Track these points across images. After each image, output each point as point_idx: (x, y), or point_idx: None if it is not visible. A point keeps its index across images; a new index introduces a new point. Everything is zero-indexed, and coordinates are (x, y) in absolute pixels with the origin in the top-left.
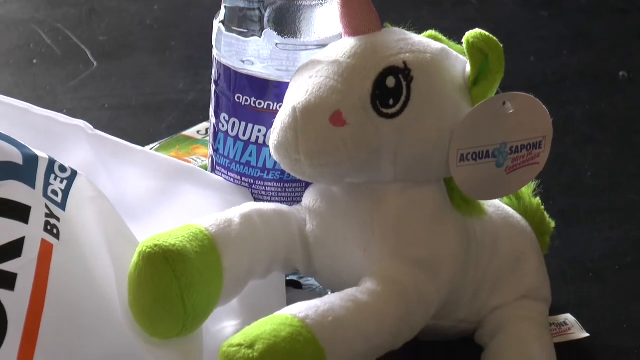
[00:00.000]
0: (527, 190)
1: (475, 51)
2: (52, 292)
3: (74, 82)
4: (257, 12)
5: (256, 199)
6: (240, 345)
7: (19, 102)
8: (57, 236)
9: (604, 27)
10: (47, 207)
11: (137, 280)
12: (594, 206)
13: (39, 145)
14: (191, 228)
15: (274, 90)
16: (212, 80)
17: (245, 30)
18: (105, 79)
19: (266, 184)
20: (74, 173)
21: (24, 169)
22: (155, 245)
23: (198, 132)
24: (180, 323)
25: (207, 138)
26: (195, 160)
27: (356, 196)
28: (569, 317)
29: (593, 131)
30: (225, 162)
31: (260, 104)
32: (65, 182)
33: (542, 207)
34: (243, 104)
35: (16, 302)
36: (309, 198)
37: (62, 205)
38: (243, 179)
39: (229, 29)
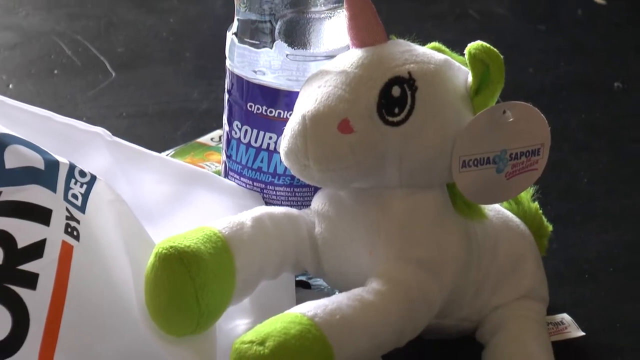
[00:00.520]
0: (526, 195)
1: (477, 62)
2: (72, 292)
3: (93, 92)
4: (268, 24)
5: (267, 203)
6: (252, 342)
7: (40, 110)
8: (77, 238)
9: (599, 39)
10: (67, 210)
11: (154, 280)
12: (590, 211)
13: (59, 151)
14: (205, 230)
15: (285, 99)
16: (225, 90)
17: (257, 42)
18: (123, 89)
19: (277, 188)
20: (94, 178)
21: (46, 173)
22: (171, 247)
23: (212, 139)
24: (194, 321)
25: (221, 145)
26: (209, 166)
27: (363, 200)
28: (565, 317)
29: (589, 139)
30: (238, 167)
31: (271, 112)
32: (85, 186)
33: (540, 211)
34: (255, 112)
35: (38, 300)
36: (317, 202)
37: (82, 209)
38: (255, 184)
39: (241, 41)
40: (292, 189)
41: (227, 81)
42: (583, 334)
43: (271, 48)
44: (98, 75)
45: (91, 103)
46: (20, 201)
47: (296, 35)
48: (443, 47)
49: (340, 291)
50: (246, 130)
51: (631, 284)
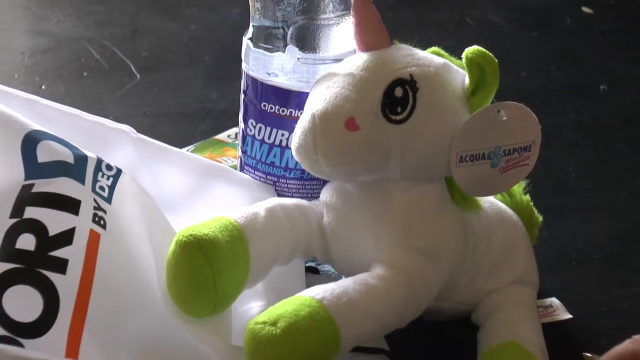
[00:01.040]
0: (519, 189)
1: (474, 65)
2: (99, 276)
3: (119, 92)
4: (281, 30)
5: (279, 195)
6: (264, 322)
7: (70, 109)
8: (103, 227)
9: (587, 46)
10: (95, 201)
11: (174, 265)
12: (578, 203)
13: (88, 147)
14: (222, 220)
15: (296, 99)
16: (241, 90)
17: (270, 47)
18: (147, 90)
19: (288, 181)
20: (119, 171)
21: (75, 167)
22: (191, 235)
23: (228, 136)
24: (212, 304)
25: (237, 141)
26: (226, 161)
27: (368, 193)
28: (554, 301)
29: (577, 137)
30: (252, 162)
31: (283, 111)
32: (111, 179)
33: (532, 203)
34: (268, 111)
35: (67, 284)
36: (326, 194)
37: (109, 200)
38: (268, 177)
39: (256, 45)
40: (302, 182)
41: (242, 82)
42: (570, 316)
43: (284, 52)
44: (124, 78)
45: (118, 103)
46: (52, 192)
47: (307, 40)
48: (442, 52)
49: (346, 276)
50: (260, 128)
51: (615, 271)
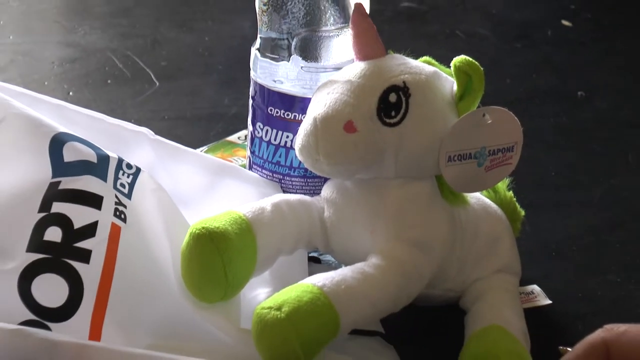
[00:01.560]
0: (502, 185)
1: (461, 73)
2: (120, 265)
3: (140, 98)
4: (286, 41)
5: (285, 191)
6: (270, 307)
7: (94, 113)
8: (124, 220)
9: (566, 56)
10: (116, 196)
11: (188, 256)
12: (557, 199)
13: (110, 147)
14: (232, 214)
15: (300, 104)
16: (250, 96)
17: (276, 56)
18: (165, 96)
19: (293, 179)
20: (138, 170)
21: (98, 166)
22: (203, 228)
23: (239, 138)
24: (222, 290)
25: (246, 142)
26: (236, 160)
27: (365, 189)
28: (535, 288)
29: (557, 139)
30: (260, 161)
31: (288, 115)
32: (131, 176)
33: (514, 199)
34: (274, 115)
35: (90, 273)
36: (326, 190)
37: (129, 196)
38: (274, 175)
39: (263, 55)
40: (305, 179)
41: (251, 89)
42: (550, 302)
43: (288, 61)
44: (144, 85)
45: (138, 107)
46: (77, 189)
47: (309, 50)
48: (433, 61)
49: (345, 266)
50: (267, 130)
51: (592, 261)
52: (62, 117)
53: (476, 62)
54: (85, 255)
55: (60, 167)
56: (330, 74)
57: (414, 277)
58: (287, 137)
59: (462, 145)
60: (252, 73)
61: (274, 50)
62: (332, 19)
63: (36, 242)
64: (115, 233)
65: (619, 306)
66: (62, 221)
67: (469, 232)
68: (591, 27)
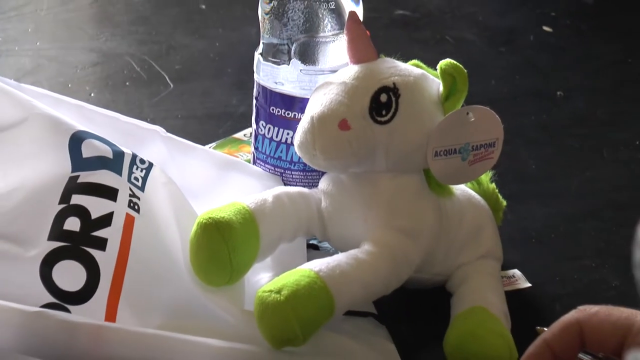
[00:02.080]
0: (485, 178)
1: (447, 75)
2: (134, 252)
3: (155, 99)
4: (286, 46)
5: (286, 184)
6: (271, 291)
7: (111, 113)
8: (137, 211)
9: (546, 59)
10: (130, 189)
11: (196, 243)
12: (537, 190)
13: (125, 144)
14: (236, 205)
15: (299, 104)
16: (254, 97)
17: (278, 60)
18: (179, 97)
19: (293, 173)
20: (151, 164)
21: (114, 161)
22: (210, 218)
23: (244, 135)
24: (227, 275)
25: (251, 139)
26: (242, 156)
27: (358, 182)
28: (516, 272)
29: (537, 135)
30: (263, 157)
31: (288, 114)
32: (144, 171)
33: (497, 190)
34: (276, 114)
35: (106, 259)
36: (323, 183)
37: (142, 188)
38: (276, 169)
39: (265, 59)
40: (305, 173)
41: (255, 90)
42: (530, 285)
43: (288, 65)
44: (160, 87)
45: (154, 107)
46: (94, 182)
47: (308, 55)
48: (421, 64)
49: (341, 252)
50: (269, 128)
51: (568, 247)
52: (81, 117)
53: (460, 65)
54: (101, 243)
55: (78, 162)
56: (326, 76)
57: (403, 262)
58: (288, 134)
59: (448, 141)
60: (255, 76)
61: (276, 54)
62: (328, 26)
63: (57, 231)
64: (129, 223)
65: (593, 289)
66: (81, 212)
67: (455, 221)
68: (570, 33)
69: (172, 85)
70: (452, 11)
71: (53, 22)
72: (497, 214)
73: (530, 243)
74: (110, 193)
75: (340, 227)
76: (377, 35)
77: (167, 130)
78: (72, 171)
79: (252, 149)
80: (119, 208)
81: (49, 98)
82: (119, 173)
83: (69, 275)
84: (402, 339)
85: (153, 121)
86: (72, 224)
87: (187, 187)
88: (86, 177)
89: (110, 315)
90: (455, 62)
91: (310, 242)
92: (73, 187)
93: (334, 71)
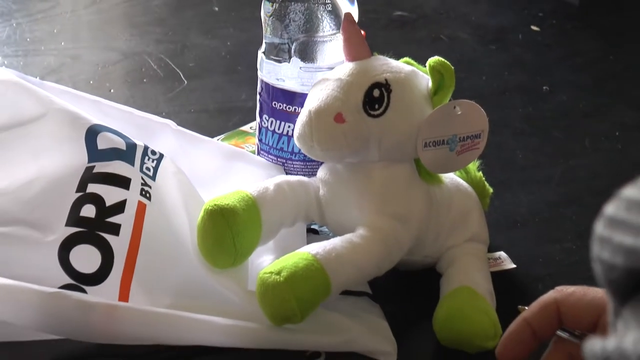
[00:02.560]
0: (473, 167)
1: (435, 72)
2: (145, 237)
3: (170, 94)
4: (287, 45)
5: (287, 173)
6: (271, 272)
7: (126, 107)
8: (149, 199)
9: (533, 56)
10: (142, 178)
11: (203, 228)
12: (522, 178)
13: (138, 136)
14: (240, 193)
15: (299, 99)
16: (258, 92)
17: (279, 58)
18: (192, 92)
19: (294, 163)
20: (161, 155)
21: (127, 152)
22: (215, 205)
23: (250, 128)
24: (232, 258)
25: (256, 132)
26: (247, 147)
27: (353, 171)
28: (502, 254)
29: (523, 127)
30: (266, 147)
31: (289, 108)
32: (155, 161)
33: (484, 178)
34: (278, 108)
35: (120, 244)
36: (321, 172)
37: (153, 177)
38: (278, 159)
39: (268, 57)
40: (304, 163)
41: (258, 86)
42: (514, 266)
43: (289, 62)
44: (175, 83)
45: (169, 102)
46: (108, 172)
47: (307, 53)
48: (411, 61)
49: (337, 236)
50: (272, 121)
51: (550, 231)
52: (99, 111)
53: (448, 62)
54: (115, 229)
55: (94, 153)
56: (324, 73)
57: (395, 245)
58: (289, 127)
59: (436, 133)
60: (259, 73)
61: (277, 53)
62: (326, 26)
63: (74, 218)
64: (141, 210)
65: (573, 270)
66: (96, 200)
67: (443, 207)
68: (556, 32)
69: (186, 82)
70: (447, 12)
71: (77, 24)
72: (484, 200)
73: (515, 227)
74: (123, 182)
75: (336, 213)
76: (377, 35)
77: (181, 123)
78: (89, 162)
79: (256, 140)
80: (132, 196)
81: (69, 94)
82: (132, 163)
83: (85, 258)
84: (395, 317)
85: (168, 115)
86: (88, 211)
87: (195, 176)
88: (101, 167)
89: (124, 295)
90: (443, 59)
91: (313, 226)
92: (89, 176)
93: (331, 68)
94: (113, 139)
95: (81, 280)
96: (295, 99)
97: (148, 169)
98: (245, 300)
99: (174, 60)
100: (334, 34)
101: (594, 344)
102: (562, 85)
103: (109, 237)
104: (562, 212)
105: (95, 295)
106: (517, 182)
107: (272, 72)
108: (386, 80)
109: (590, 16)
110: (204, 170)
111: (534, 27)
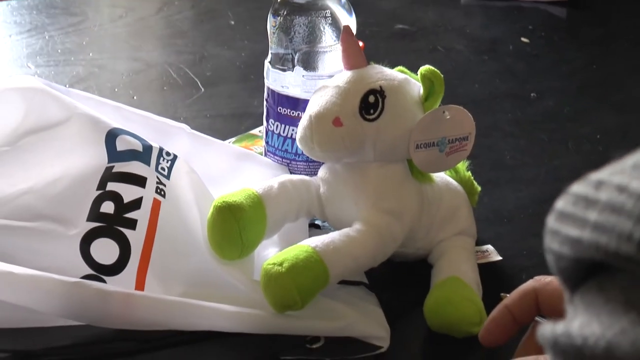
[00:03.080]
0: (462, 167)
1: (426, 79)
2: (160, 232)
3: (188, 101)
4: (290, 55)
5: (291, 173)
6: (274, 264)
7: (144, 112)
8: (163, 196)
9: (523, 65)
10: (157, 177)
11: (212, 223)
12: (510, 177)
13: (155, 139)
14: (247, 190)
15: (302, 104)
16: (264, 99)
17: (284, 67)
18: (209, 99)
19: (298, 163)
20: (175, 156)
21: (143, 153)
22: (224, 202)
23: (259, 131)
24: (239, 250)
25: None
26: (256, 149)
27: (351, 170)
28: (489, 247)
29: (512, 130)
30: (272, 149)
31: (293, 113)
32: (169, 162)
33: (472, 177)
34: (283, 113)
35: (136, 237)
36: (322, 171)
37: (167, 177)
38: (283, 160)
39: (273, 67)
40: (307, 163)
41: (265, 93)
42: (500, 258)
43: (293, 71)
44: (192, 90)
45: (187, 108)
46: (126, 172)
47: (309, 62)
48: (405, 69)
49: (336, 230)
50: (277, 125)
51: (535, 226)
52: (120, 116)
53: (438, 71)
54: (132, 224)
55: (113, 154)
56: (325, 80)
57: (389, 238)
58: (293, 130)
59: (427, 135)
60: (265, 81)
61: (282, 62)
62: (327, 38)
63: (94, 213)
64: (156, 206)
65: None
66: (115, 197)
67: (434, 204)
68: (544, 43)
69: (203, 89)
70: (444, 25)
71: (104, 37)
72: (473, 198)
73: (502, 222)
74: (140, 181)
75: (335, 209)
76: (379, 46)
77: (198, 127)
78: (108, 162)
79: (263, 143)
80: (148, 194)
81: (93, 100)
82: (148, 164)
83: (105, 250)
84: (389, 304)
85: (186, 119)
86: (108, 207)
87: (207, 176)
88: (120, 167)
89: (140, 284)
90: (433, 68)
91: (316, 222)
92: (109, 176)
93: (331, 76)
94: (131, 141)
95: (101, 271)
96: (299, 104)
97: (163, 168)
98: (251, 289)
99: (193, 70)
100: (334, 45)
101: (545, 328)
102: (548, 92)
103: (126, 232)
104: (546, 209)
105: (113, 284)
106: (505, 181)
107: (277, 80)
108: (381, 87)
109: (575, 29)
110: (215, 170)
111: (523, 39)
